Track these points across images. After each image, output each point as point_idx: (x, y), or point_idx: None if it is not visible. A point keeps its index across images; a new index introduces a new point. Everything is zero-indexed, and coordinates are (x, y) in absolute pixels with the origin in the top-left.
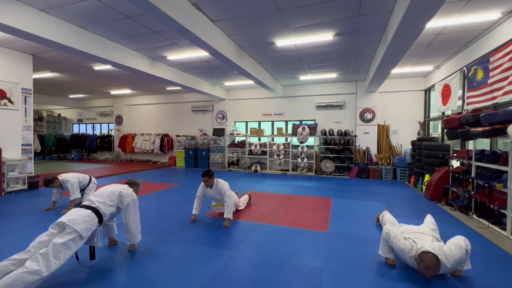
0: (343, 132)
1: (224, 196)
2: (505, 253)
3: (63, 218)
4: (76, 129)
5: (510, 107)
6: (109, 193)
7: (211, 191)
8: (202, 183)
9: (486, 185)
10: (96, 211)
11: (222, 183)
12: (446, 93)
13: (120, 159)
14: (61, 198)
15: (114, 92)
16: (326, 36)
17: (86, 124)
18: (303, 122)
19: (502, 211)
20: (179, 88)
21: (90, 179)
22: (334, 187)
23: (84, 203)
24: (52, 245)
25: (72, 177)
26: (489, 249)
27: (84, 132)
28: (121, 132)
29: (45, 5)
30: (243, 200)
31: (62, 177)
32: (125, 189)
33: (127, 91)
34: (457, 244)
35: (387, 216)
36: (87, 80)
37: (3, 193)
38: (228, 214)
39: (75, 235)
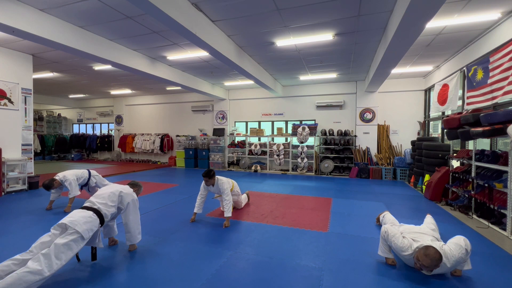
0: (343, 132)
1: (223, 195)
2: (505, 253)
3: (65, 220)
4: (76, 129)
5: (510, 107)
6: (109, 194)
7: (213, 188)
8: (204, 182)
9: (486, 185)
10: (97, 212)
11: (222, 181)
12: (444, 93)
13: (120, 159)
14: (59, 197)
15: (114, 92)
16: (326, 36)
17: (86, 124)
18: (303, 122)
19: (502, 211)
20: (179, 88)
21: (90, 174)
22: (334, 187)
23: (85, 204)
24: (54, 245)
25: (70, 175)
26: (489, 249)
27: (84, 132)
28: (121, 132)
29: (45, 5)
30: (243, 200)
31: (60, 176)
32: (126, 189)
33: (127, 91)
34: (457, 244)
35: (387, 217)
36: (87, 80)
37: (3, 193)
38: (227, 213)
39: (77, 236)
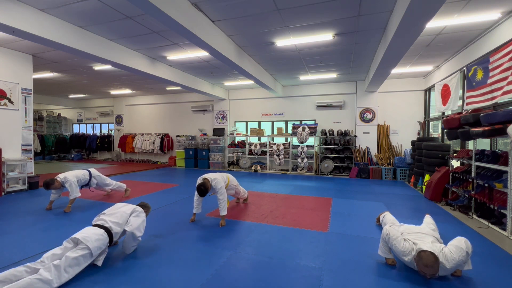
0: (343, 132)
1: (217, 194)
2: (505, 253)
3: (78, 235)
4: (76, 129)
5: (510, 107)
6: (122, 213)
7: (210, 191)
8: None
9: (486, 185)
10: (108, 231)
11: (216, 181)
12: (445, 93)
13: (120, 159)
14: (59, 197)
15: (114, 92)
16: (326, 36)
17: (86, 124)
18: (303, 122)
19: (502, 211)
20: (179, 88)
21: (90, 174)
22: (334, 187)
23: (97, 222)
24: (65, 258)
25: (70, 176)
26: (489, 249)
27: (84, 132)
28: (121, 132)
29: (45, 5)
30: (242, 189)
31: (60, 177)
32: (137, 208)
33: (127, 91)
34: (458, 246)
35: (388, 217)
36: (87, 80)
37: (3, 193)
38: (223, 211)
39: (87, 252)
